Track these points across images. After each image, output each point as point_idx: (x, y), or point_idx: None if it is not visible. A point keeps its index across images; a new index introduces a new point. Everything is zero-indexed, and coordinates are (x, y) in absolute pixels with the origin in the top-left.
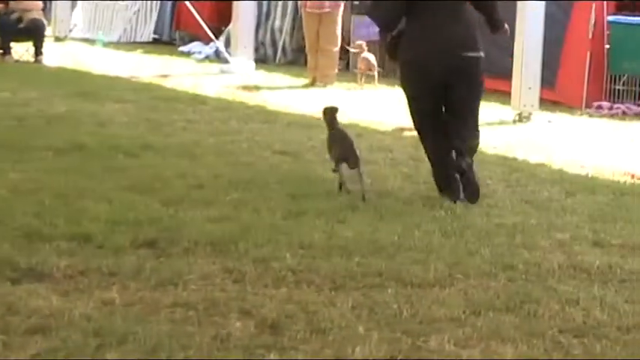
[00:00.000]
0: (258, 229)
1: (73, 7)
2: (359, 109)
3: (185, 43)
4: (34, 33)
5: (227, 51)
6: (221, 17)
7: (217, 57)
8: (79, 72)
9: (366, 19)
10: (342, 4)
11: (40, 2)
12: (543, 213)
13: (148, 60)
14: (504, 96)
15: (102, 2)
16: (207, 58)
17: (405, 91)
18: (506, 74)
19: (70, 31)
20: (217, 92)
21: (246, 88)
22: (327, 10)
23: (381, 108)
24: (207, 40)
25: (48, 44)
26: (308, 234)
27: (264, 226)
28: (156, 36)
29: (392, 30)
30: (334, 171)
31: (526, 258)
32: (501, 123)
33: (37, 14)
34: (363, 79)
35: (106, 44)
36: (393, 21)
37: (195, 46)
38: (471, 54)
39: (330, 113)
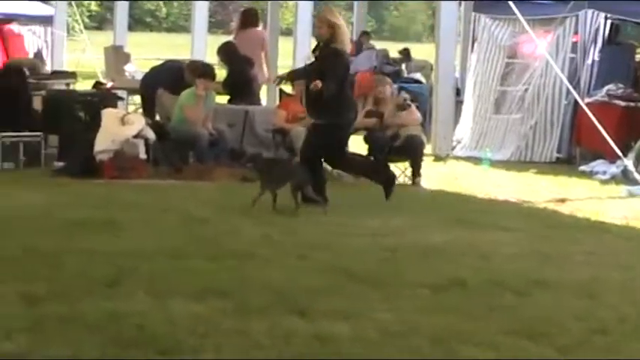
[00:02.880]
0: None
1: (455, 122)
2: None
3: (587, 162)
4: (412, 152)
5: (638, 170)
6: (630, 130)
7: (625, 177)
8: (460, 196)
9: None
10: None
11: (419, 116)
12: None
13: (542, 181)
14: None
15: (494, 115)
16: (612, 178)
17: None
18: None
19: (453, 148)
20: (624, 219)
21: None
22: None
23: None
24: (612, 158)
25: (427, 164)
26: None
27: None
28: (559, 155)
29: None
30: None
31: None
32: None
33: (415, 130)
34: None
35: (493, 163)
36: None
37: (598, 164)
38: None
39: None
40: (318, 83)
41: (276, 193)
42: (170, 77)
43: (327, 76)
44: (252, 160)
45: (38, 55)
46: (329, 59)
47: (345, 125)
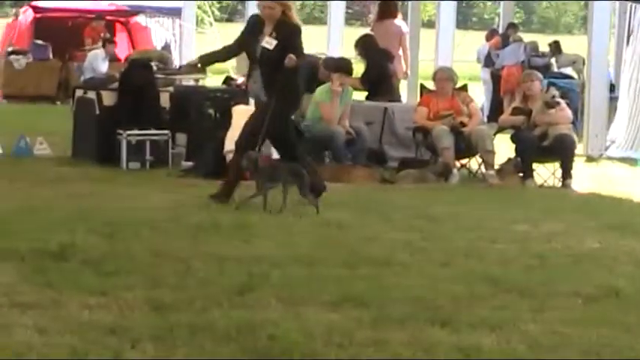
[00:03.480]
0: None
1: (609, 120)
2: None
3: None
4: (562, 152)
5: None
6: None
7: None
8: (614, 199)
9: None
10: None
11: (570, 114)
12: None
13: None
14: None
15: None
16: None
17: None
18: None
19: (606, 148)
20: None
21: None
22: None
23: None
24: None
25: (578, 165)
26: None
27: None
28: None
29: None
30: None
31: None
32: None
33: (566, 129)
34: None
35: None
36: None
37: None
38: None
39: None
40: (293, 58)
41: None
42: (303, 74)
43: (296, 53)
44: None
45: (166, 49)
46: (292, 36)
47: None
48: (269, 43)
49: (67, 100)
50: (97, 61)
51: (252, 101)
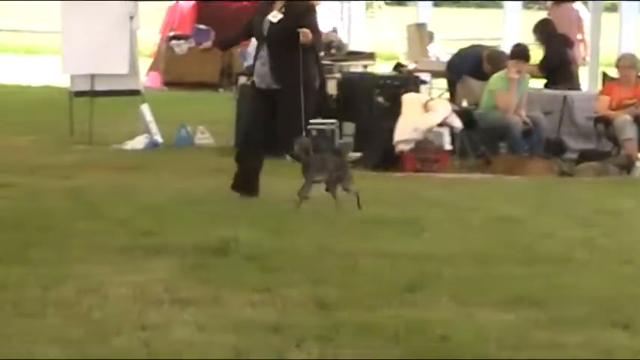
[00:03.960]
0: None
1: None
2: None
3: None
4: None
5: None
6: None
7: None
8: None
9: None
10: None
11: None
12: None
13: None
14: None
15: None
16: None
17: None
18: None
19: None
20: None
21: None
22: None
23: None
24: None
25: None
26: None
27: None
28: None
29: None
30: None
31: None
32: None
33: None
34: None
35: None
36: None
37: None
38: None
39: None
40: (308, 32)
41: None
42: (477, 63)
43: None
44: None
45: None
46: (306, 14)
47: None
48: (274, 16)
49: (229, 88)
50: None
51: (423, 88)
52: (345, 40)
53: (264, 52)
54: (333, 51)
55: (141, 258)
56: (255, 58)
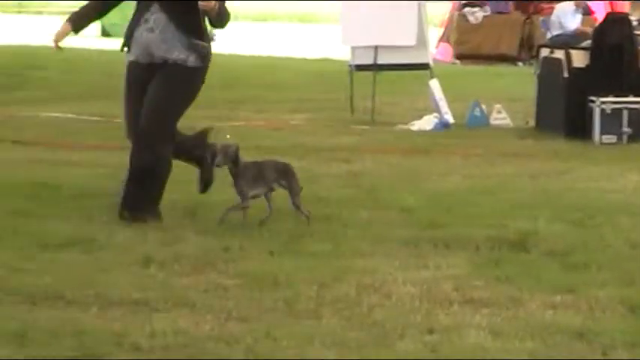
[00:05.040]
0: None
1: None
2: None
3: None
4: None
5: None
6: None
7: None
8: None
9: None
10: None
11: None
12: None
13: None
14: None
15: None
16: None
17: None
18: None
19: None
20: None
21: None
22: None
23: None
24: None
25: None
26: None
27: None
28: None
29: None
30: None
31: None
32: None
33: None
34: None
35: None
36: None
37: None
38: None
39: None
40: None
41: None
42: None
43: None
44: None
45: None
46: None
47: None
48: None
49: (529, 61)
50: (565, 16)
51: None
52: None
53: (153, 16)
54: None
55: (428, 252)
56: (137, 21)
